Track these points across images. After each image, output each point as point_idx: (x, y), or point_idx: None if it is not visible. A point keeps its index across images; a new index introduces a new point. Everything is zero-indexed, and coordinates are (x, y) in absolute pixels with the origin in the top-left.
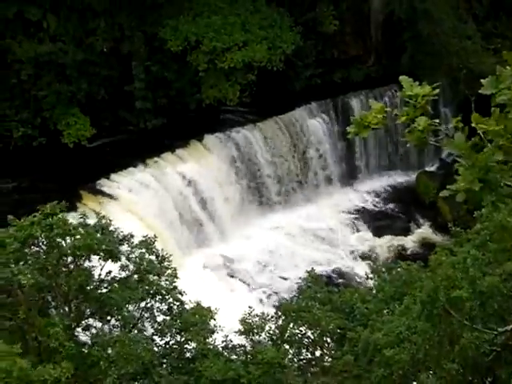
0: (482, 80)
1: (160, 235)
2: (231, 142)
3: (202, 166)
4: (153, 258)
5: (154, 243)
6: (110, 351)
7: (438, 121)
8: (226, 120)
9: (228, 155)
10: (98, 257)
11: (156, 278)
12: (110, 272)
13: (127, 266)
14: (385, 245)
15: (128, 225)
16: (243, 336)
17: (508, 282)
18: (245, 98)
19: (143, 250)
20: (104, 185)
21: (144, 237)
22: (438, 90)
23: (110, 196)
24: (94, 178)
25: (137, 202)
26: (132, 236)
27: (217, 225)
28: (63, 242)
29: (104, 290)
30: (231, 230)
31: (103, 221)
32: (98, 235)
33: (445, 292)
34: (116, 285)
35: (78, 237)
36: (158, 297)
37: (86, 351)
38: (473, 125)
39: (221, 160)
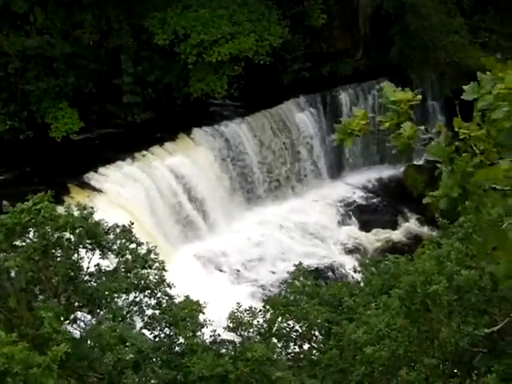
0: (464, 87)
1: (148, 229)
2: (219, 135)
3: (191, 160)
4: (141, 249)
5: (131, 232)
6: (105, 338)
7: (423, 127)
8: (214, 113)
9: (216, 149)
10: (85, 249)
11: (145, 271)
12: (98, 264)
13: (114, 256)
14: (373, 238)
15: (116, 218)
16: (231, 332)
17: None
18: (233, 91)
19: (123, 241)
20: (92, 178)
21: (123, 226)
22: (420, 96)
23: (98, 189)
24: (82, 171)
25: (125, 195)
26: (117, 226)
27: (205, 218)
28: (50, 230)
29: (93, 283)
30: (220, 223)
31: (85, 211)
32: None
33: (422, 288)
34: (104, 278)
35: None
36: (147, 291)
37: (80, 340)
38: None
39: (209, 153)
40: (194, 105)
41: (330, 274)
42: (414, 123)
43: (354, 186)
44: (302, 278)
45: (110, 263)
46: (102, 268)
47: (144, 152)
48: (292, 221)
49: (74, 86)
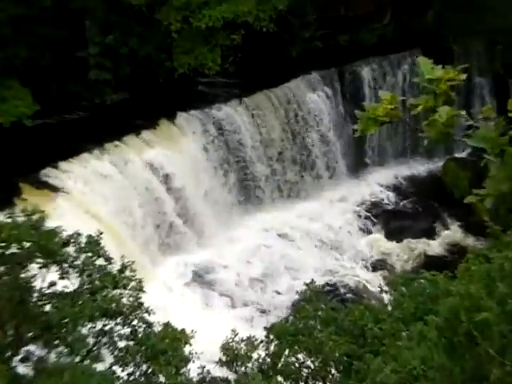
0: None
1: (122, 238)
2: (211, 121)
3: (175, 152)
4: (111, 266)
5: (99, 243)
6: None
7: (464, 113)
8: (205, 94)
9: (207, 138)
10: (38, 265)
11: (117, 292)
12: (53, 284)
13: (77, 274)
14: (403, 250)
15: (81, 226)
16: (225, 367)
17: None
18: (228, 66)
19: (89, 254)
20: (50, 175)
21: (90, 236)
22: (465, 76)
23: (58, 189)
24: (38, 166)
25: (92, 197)
26: (79, 235)
27: (193, 225)
28: None
29: (48, 308)
30: (211, 231)
31: (34, 217)
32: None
33: (467, 314)
34: (64, 301)
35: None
36: (119, 317)
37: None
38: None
39: (198, 144)
40: (179, 83)
41: (349, 294)
42: (454, 107)
43: (379, 184)
44: (314, 300)
45: (71, 283)
46: (61, 289)
47: (116, 143)
48: (302, 228)
49: (27, 58)
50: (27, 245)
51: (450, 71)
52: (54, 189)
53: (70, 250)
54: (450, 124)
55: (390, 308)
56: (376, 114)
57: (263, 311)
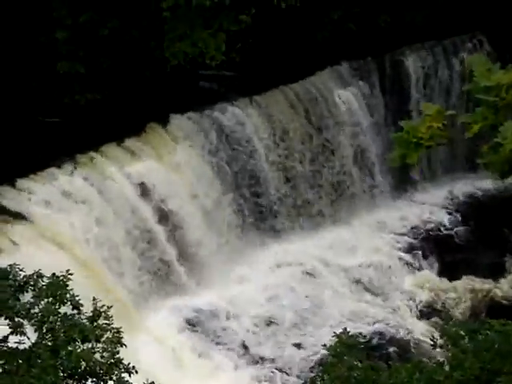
0: None
1: (101, 278)
2: (213, 126)
3: (167, 166)
4: (79, 314)
5: (66, 285)
6: None
7: None
8: (205, 91)
9: (208, 148)
10: None
11: (87, 346)
12: (5, 338)
13: (35, 326)
14: (462, 292)
15: (46, 263)
16: None
17: None
18: (235, 55)
19: (50, 299)
20: (5, 196)
21: (53, 276)
22: None
23: (17, 214)
24: None
25: (61, 223)
26: (40, 276)
27: (192, 260)
28: None
29: None
30: (214, 268)
31: None
32: None
33: None
34: (15, 363)
35: None
36: (91, 379)
37: None
38: None
39: (196, 155)
40: (173, 77)
41: (393, 349)
42: None
43: (430, 206)
44: (347, 356)
45: (26, 337)
46: (12, 345)
47: (92, 154)
48: (330, 263)
49: None
50: None
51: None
52: (10, 214)
53: (28, 295)
54: None
55: (447, 368)
56: (418, 137)
57: (281, 371)
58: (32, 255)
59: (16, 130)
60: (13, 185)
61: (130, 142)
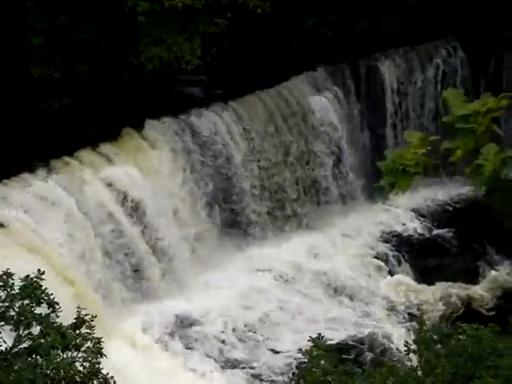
0: None
1: (76, 283)
2: (188, 131)
3: (142, 171)
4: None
5: (40, 285)
6: None
7: None
8: (180, 96)
9: (183, 153)
10: None
11: (67, 354)
12: None
13: (12, 327)
14: (437, 297)
15: (22, 267)
16: None
17: None
18: (210, 59)
19: (26, 302)
20: None
21: (26, 278)
22: (505, 102)
23: None
24: None
25: (36, 229)
26: (10, 275)
27: (168, 266)
28: None
29: None
30: (191, 273)
31: None
32: None
33: None
34: None
35: None
36: None
37: None
38: None
39: (172, 160)
40: (148, 82)
41: (368, 354)
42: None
43: (405, 211)
44: (323, 361)
45: (3, 340)
46: None
47: (67, 159)
48: (306, 268)
49: None
50: None
51: (487, 100)
52: None
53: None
54: (500, 169)
55: (420, 372)
56: (404, 164)
57: (257, 376)
58: (5, 261)
59: None
60: None
61: (105, 147)
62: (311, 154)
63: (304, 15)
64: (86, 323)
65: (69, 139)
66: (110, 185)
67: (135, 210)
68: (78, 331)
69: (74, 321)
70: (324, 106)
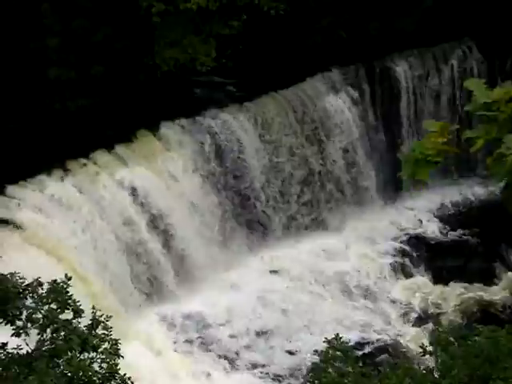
0: None
1: (92, 285)
2: (203, 132)
3: (157, 173)
4: (77, 320)
5: (67, 291)
6: None
7: None
8: (195, 97)
9: (198, 154)
10: None
11: (85, 356)
12: (4, 345)
13: (38, 330)
14: (453, 298)
15: (37, 268)
16: None
17: None
18: (225, 60)
19: (54, 306)
20: None
21: (54, 282)
22: None
23: (6, 221)
24: None
25: (52, 230)
26: (40, 284)
27: (182, 266)
28: None
29: None
30: (205, 273)
31: None
32: None
33: None
34: (16, 368)
35: None
36: None
37: None
38: None
39: (187, 162)
40: (163, 84)
41: (384, 355)
42: None
43: (421, 212)
44: (338, 363)
45: (25, 343)
46: (13, 351)
47: (83, 160)
48: (321, 270)
49: None
50: None
51: (510, 88)
52: (0, 221)
53: (27, 302)
54: None
55: (436, 374)
56: (425, 154)
57: (273, 377)
58: (22, 262)
59: (5, 137)
60: (2, 192)
61: (120, 149)
62: (326, 155)
63: (319, 16)
64: (102, 324)
65: (84, 141)
66: (125, 186)
67: (150, 212)
68: (94, 332)
69: (90, 322)
70: (339, 106)
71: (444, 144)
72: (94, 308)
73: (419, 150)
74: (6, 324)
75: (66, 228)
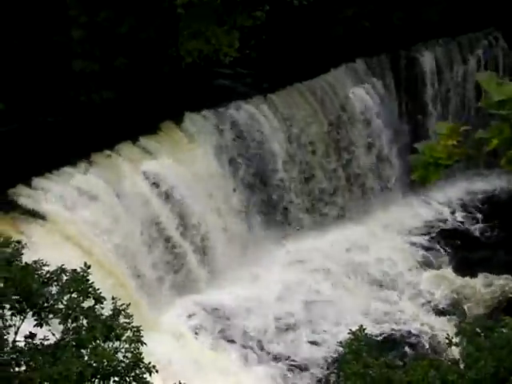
0: None
1: (116, 276)
2: (227, 124)
3: (182, 164)
4: (99, 309)
5: (87, 279)
6: None
7: None
8: (219, 89)
9: (222, 145)
10: (11, 311)
11: (109, 345)
12: (31, 336)
13: (60, 320)
14: (479, 289)
15: (62, 259)
16: None
17: None
18: (249, 52)
19: (74, 295)
20: (21, 195)
21: (74, 272)
22: None
23: (33, 213)
24: (5, 184)
25: (77, 222)
26: (64, 271)
27: (206, 258)
28: None
29: (23, 368)
30: (229, 265)
31: (8, 249)
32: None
33: None
34: (41, 358)
35: None
36: (113, 377)
37: None
38: None
39: (211, 153)
40: (187, 75)
41: (409, 347)
42: None
43: (444, 204)
44: (363, 354)
45: (50, 332)
46: (38, 341)
47: (107, 152)
48: (345, 261)
49: None
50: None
51: None
52: (27, 212)
53: (52, 290)
54: None
55: (462, 365)
56: (436, 157)
57: (296, 368)
58: (47, 253)
59: (31, 129)
60: (28, 184)
61: (144, 141)
62: (351, 146)
63: (342, 6)
64: (123, 312)
65: (109, 132)
66: (149, 178)
67: (174, 203)
68: (115, 321)
69: (111, 311)
70: (363, 97)
71: (455, 146)
72: (113, 298)
73: (429, 153)
74: (33, 315)
75: (90, 219)
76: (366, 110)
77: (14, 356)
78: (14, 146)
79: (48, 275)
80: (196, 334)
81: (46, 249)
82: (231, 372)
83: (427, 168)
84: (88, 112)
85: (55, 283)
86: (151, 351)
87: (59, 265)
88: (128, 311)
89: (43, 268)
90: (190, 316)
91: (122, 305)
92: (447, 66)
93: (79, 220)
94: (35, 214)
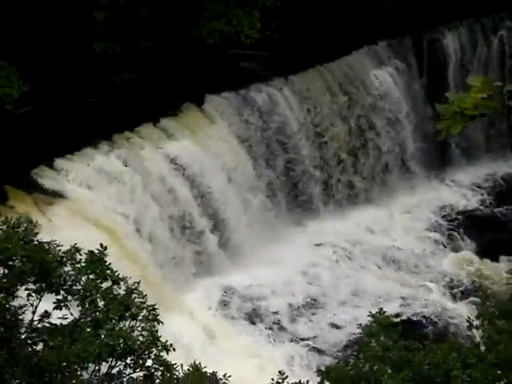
0: None
1: (137, 257)
2: (249, 106)
3: (203, 146)
4: (118, 289)
5: (104, 261)
6: None
7: None
8: (240, 71)
9: (243, 128)
10: (28, 291)
11: (126, 324)
12: (47, 315)
13: (77, 301)
14: (501, 272)
15: (84, 241)
16: None
17: None
18: (270, 33)
19: (91, 276)
20: (44, 175)
21: (91, 253)
22: None
23: (54, 193)
24: (28, 165)
25: (98, 202)
26: (78, 250)
27: (227, 240)
28: None
29: (40, 348)
30: (250, 248)
31: (22, 229)
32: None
33: None
34: (59, 338)
35: None
36: (130, 356)
37: None
38: None
39: (232, 135)
40: (208, 57)
41: (429, 330)
42: None
43: (467, 187)
44: (382, 337)
45: (68, 312)
46: (56, 322)
47: (128, 134)
48: (366, 243)
49: (11, 25)
50: (17, 262)
51: None
52: (49, 193)
53: (68, 270)
54: None
55: (482, 348)
56: (463, 107)
57: (316, 349)
58: (69, 233)
59: (53, 111)
60: (50, 165)
61: (165, 122)
62: (372, 129)
63: None
64: (136, 291)
65: (130, 114)
66: (170, 159)
67: (195, 184)
68: (131, 300)
69: (124, 291)
70: (385, 79)
71: (485, 99)
72: (125, 277)
73: (457, 103)
74: (51, 293)
75: (111, 200)
76: (388, 92)
77: (32, 335)
78: (37, 127)
79: (62, 255)
80: (217, 315)
81: (67, 228)
82: (254, 353)
83: (454, 117)
84: (109, 93)
85: (69, 262)
86: (172, 331)
87: (80, 245)
88: (141, 289)
89: (57, 249)
90: (210, 297)
91: (133, 283)
92: (470, 47)
93: (100, 200)
94: (57, 195)
